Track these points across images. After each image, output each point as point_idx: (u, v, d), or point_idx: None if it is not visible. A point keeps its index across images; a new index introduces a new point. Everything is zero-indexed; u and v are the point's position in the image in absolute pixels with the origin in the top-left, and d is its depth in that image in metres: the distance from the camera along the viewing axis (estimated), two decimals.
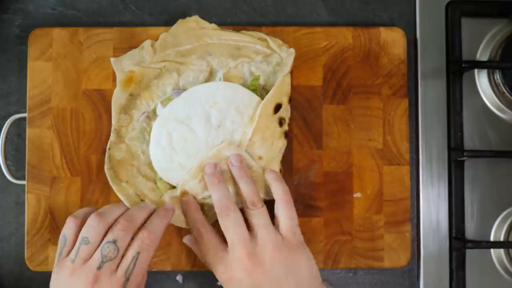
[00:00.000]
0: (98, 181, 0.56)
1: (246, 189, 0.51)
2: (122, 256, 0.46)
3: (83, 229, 0.46)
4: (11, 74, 0.59)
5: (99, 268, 0.44)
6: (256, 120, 0.52)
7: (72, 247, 0.47)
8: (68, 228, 0.47)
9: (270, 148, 0.53)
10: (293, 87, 0.57)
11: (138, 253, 0.46)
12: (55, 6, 0.59)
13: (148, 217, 0.49)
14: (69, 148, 0.56)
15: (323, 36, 0.58)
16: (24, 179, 0.56)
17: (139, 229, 0.47)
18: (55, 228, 0.55)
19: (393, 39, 0.58)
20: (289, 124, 0.55)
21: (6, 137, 0.57)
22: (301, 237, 0.50)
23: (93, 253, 0.45)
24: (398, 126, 0.57)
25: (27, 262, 0.55)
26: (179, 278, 0.58)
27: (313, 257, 0.50)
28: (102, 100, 0.56)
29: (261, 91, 0.55)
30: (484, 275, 0.58)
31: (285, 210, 0.50)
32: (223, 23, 0.58)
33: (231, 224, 0.49)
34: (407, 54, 0.58)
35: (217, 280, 0.57)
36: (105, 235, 0.46)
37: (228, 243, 0.49)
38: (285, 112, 0.54)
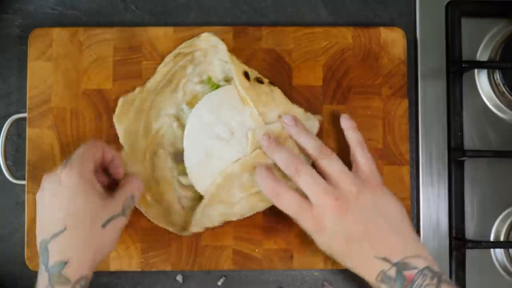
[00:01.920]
0: None
1: (310, 141, 0.51)
2: None
3: None
4: (11, 74, 0.59)
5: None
6: (242, 91, 0.52)
7: None
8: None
9: (275, 101, 0.53)
10: (293, 87, 0.57)
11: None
12: (55, 6, 0.59)
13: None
14: (69, 148, 0.56)
15: (323, 36, 0.58)
16: (24, 179, 0.56)
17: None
18: None
19: (393, 39, 0.58)
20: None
21: (6, 137, 0.57)
22: (381, 179, 0.51)
23: None
24: (398, 126, 0.57)
25: (27, 262, 0.55)
26: (179, 278, 0.58)
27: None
28: (102, 100, 0.56)
29: (225, 83, 0.55)
30: (484, 275, 0.58)
31: (362, 153, 0.51)
32: (223, 23, 0.59)
33: (308, 178, 0.48)
34: (407, 54, 0.58)
35: (217, 280, 0.57)
36: None
37: (311, 197, 0.48)
38: (256, 74, 0.55)
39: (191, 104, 0.55)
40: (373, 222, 0.47)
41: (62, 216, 0.44)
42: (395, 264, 0.46)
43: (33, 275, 0.57)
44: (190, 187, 0.55)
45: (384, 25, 0.59)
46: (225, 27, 0.57)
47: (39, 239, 0.46)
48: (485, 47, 0.60)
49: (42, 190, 0.47)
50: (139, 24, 0.59)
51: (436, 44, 0.59)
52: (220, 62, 0.55)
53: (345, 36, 0.58)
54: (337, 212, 0.47)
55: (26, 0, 0.59)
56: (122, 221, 0.48)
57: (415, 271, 0.45)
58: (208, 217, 0.53)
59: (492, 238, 0.59)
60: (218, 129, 0.53)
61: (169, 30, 0.57)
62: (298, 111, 0.55)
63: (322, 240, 0.49)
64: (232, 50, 0.57)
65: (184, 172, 0.54)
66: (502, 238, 0.58)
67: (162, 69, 0.56)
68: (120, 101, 0.55)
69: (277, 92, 0.54)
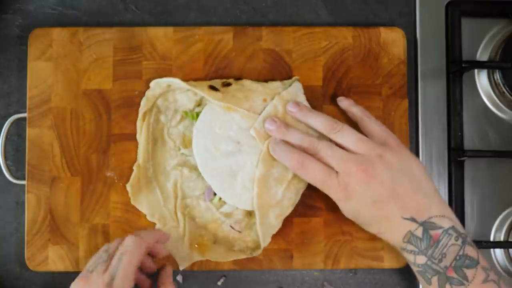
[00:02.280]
0: (98, 181, 0.56)
1: (319, 119, 0.52)
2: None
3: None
4: (11, 74, 0.59)
5: (91, 271, 0.46)
6: (219, 103, 0.52)
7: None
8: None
9: (252, 90, 0.54)
10: None
11: (122, 254, 0.46)
12: (55, 6, 0.59)
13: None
14: (69, 148, 0.56)
15: (323, 36, 0.58)
16: (24, 179, 0.56)
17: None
18: (55, 228, 0.55)
19: (393, 39, 0.58)
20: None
21: (6, 137, 0.57)
22: (398, 140, 0.51)
23: None
24: (398, 126, 0.57)
25: (27, 262, 0.55)
26: (179, 278, 0.58)
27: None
28: (102, 100, 0.56)
29: (200, 108, 0.55)
30: None
31: (371, 121, 0.52)
32: (223, 23, 0.59)
33: (327, 151, 0.49)
34: (407, 54, 0.58)
35: (217, 280, 0.57)
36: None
37: (335, 166, 0.49)
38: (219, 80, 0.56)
39: (185, 145, 0.56)
40: (399, 183, 0.48)
41: None
42: (421, 224, 0.47)
43: (33, 275, 0.57)
44: (234, 210, 0.55)
45: (384, 25, 0.59)
46: (225, 27, 0.57)
47: None
48: (485, 47, 0.60)
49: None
50: (139, 24, 0.59)
51: (436, 44, 0.59)
52: (183, 94, 0.55)
53: (345, 36, 0.58)
54: (363, 176, 0.48)
55: (26, 0, 0.59)
56: None
57: (441, 230, 0.46)
58: (269, 226, 0.54)
59: (492, 238, 0.59)
60: (225, 147, 0.53)
61: (169, 30, 0.57)
62: (276, 84, 0.55)
63: (350, 207, 0.50)
64: (232, 50, 0.57)
65: (221, 203, 0.55)
66: (502, 238, 0.58)
67: (140, 136, 0.55)
68: (128, 188, 0.55)
69: (247, 82, 0.55)
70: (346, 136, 0.50)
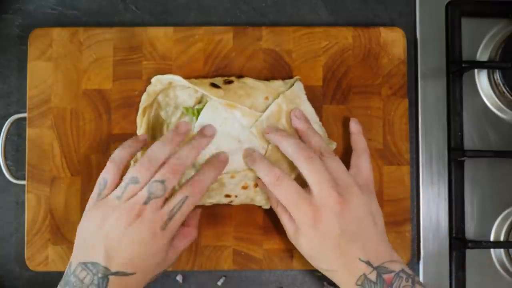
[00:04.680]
0: None
1: (316, 139, 0.52)
2: (170, 197, 0.47)
3: (132, 169, 0.47)
4: (11, 74, 0.59)
5: (145, 203, 0.46)
6: (220, 100, 0.52)
7: (114, 189, 0.48)
8: (108, 172, 0.49)
9: (254, 88, 0.54)
10: None
11: (186, 197, 0.47)
12: (55, 6, 0.59)
13: (197, 154, 0.50)
14: (69, 148, 0.56)
15: (323, 36, 0.58)
16: (24, 179, 0.56)
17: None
18: (55, 228, 0.55)
19: (393, 39, 0.58)
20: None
21: (6, 137, 0.57)
22: (373, 187, 0.52)
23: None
24: (398, 126, 0.57)
25: (27, 262, 0.55)
26: (179, 278, 0.58)
27: None
28: (102, 100, 0.56)
29: (200, 105, 0.55)
30: (484, 275, 0.58)
31: (366, 160, 0.52)
32: (223, 23, 0.59)
33: (316, 167, 0.48)
34: (407, 54, 0.58)
35: (217, 280, 0.57)
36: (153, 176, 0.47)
37: (314, 187, 0.48)
38: (220, 78, 0.56)
39: (185, 142, 0.55)
40: (365, 224, 0.48)
41: (137, 264, 0.46)
42: (376, 268, 0.47)
43: (33, 275, 0.57)
44: None
45: (384, 25, 0.59)
46: (225, 27, 0.57)
47: (95, 259, 0.45)
48: (485, 47, 0.60)
49: (128, 227, 0.46)
50: (139, 24, 0.59)
51: (436, 44, 0.59)
52: (183, 91, 0.55)
53: (345, 36, 0.58)
54: (339, 207, 0.47)
55: (26, 0, 0.59)
56: (168, 267, 0.50)
57: (393, 274, 0.47)
58: None
59: (492, 238, 0.59)
60: (228, 146, 0.53)
61: (169, 30, 0.57)
62: (278, 83, 0.55)
63: (312, 234, 0.48)
64: (232, 50, 0.57)
65: None
66: (502, 238, 0.58)
67: (140, 132, 0.55)
68: None
69: (249, 80, 0.55)
70: (336, 163, 0.50)
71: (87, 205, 0.49)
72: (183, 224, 0.50)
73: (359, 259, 0.47)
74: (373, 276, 0.47)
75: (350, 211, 0.48)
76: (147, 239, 0.46)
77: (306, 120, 0.53)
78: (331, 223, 0.47)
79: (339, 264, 0.48)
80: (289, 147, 0.50)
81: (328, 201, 0.47)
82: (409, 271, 0.48)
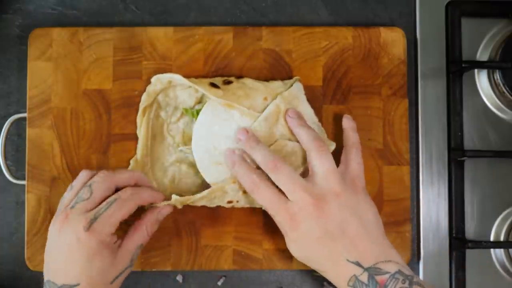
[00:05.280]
0: None
1: (309, 133, 0.51)
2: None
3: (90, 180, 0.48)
4: (11, 74, 0.59)
5: (72, 207, 0.46)
6: (220, 100, 0.52)
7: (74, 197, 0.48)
8: (77, 180, 0.50)
9: (253, 89, 0.53)
10: None
11: (115, 199, 0.47)
12: (55, 6, 0.59)
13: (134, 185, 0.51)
14: (69, 148, 0.56)
15: (323, 36, 0.58)
16: (24, 179, 0.56)
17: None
18: None
19: (393, 39, 0.58)
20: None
21: (6, 137, 0.57)
22: (364, 182, 0.51)
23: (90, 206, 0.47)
24: (398, 126, 0.57)
25: (27, 262, 0.55)
26: (179, 278, 0.58)
27: None
28: (102, 100, 0.56)
29: (200, 105, 0.55)
30: (484, 275, 0.58)
31: (356, 155, 0.52)
32: (223, 23, 0.59)
33: (285, 174, 0.48)
34: (407, 54, 0.58)
35: (217, 280, 0.57)
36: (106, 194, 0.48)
37: (288, 193, 0.48)
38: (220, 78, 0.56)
39: (185, 142, 0.56)
40: (349, 223, 0.47)
41: (77, 273, 0.45)
42: (366, 269, 0.46)
43: (33, 275, 0.57)
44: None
45: (384, 25, 0.59)
46: (225, 27, 0.57)
47: (47, 277, 0.47)
48: (485, 47, 0.60)
49: (59, 234, 0.46)
50: (139, 24, 0.59)
51: (436, 44, 0.59)
52: (183, 91, 0.55)
53: (345, 36, 0.58)
54: (313, 209, 0.47)
55: (26, 0, 0.59)
56: (128, 271, 0.50)
57: (387, 275, 0.45)
58: None
59: (492, 238, 0.59)
60: (224, 145, 0.52)
61: (169, 30, 0.57)
62: (277, 84, 0.55)
63: (295, 237, 0.48)
64: (232, 50, 0.57)
65: None
66: (502, 238, 0.58)
67: (140, 132, 0.55)
68: None
69: (249, 81, 0.55)
70: (324, 159, 0.49)
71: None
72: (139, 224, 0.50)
73: (347, 260, 0.46)
74: (364, 278, 0.45)
75: (329, 212, 0.47)
76: (73, 243, 0.45)
77: (299, 117, 0.53)
78: (308, 227, 0.47)
79: (328, 265, 0.48)
80: (258, 157, 0.50)
81: (302, 204, 0.47)
82: (407, 272, 0.46)
